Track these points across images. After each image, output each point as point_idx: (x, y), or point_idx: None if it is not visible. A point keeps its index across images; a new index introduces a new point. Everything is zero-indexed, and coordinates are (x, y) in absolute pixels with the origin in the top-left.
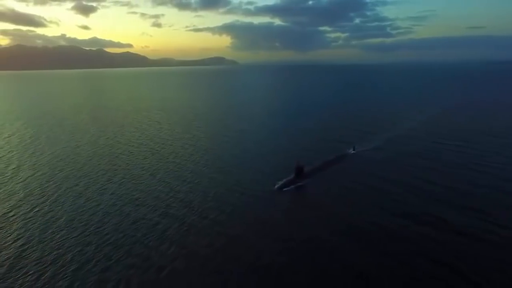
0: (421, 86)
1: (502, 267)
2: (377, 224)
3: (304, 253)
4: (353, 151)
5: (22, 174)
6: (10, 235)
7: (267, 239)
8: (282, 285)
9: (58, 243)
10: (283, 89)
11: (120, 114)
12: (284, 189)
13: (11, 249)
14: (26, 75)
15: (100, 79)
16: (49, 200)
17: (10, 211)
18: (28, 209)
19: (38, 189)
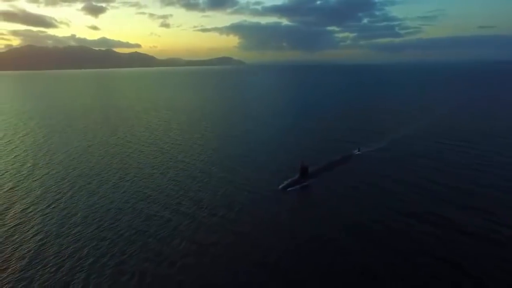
0: (429, 86)
1: (505, 266)
2: (382, 223)
3: (309, 251)
4: (358, 152)
5: (38, 172)
6: (29, 230)
7: (274, 237)
8: (289, 281)
9: (74, 238)
10: (289, 89)
11: (130, 113)
12: (289, 189)
13: (31, 243)
14: (37, 75)
15: (109, 79)
16: (64, 197)
17: (29, 207)
18: (45, 206)
19: (54, 186)
